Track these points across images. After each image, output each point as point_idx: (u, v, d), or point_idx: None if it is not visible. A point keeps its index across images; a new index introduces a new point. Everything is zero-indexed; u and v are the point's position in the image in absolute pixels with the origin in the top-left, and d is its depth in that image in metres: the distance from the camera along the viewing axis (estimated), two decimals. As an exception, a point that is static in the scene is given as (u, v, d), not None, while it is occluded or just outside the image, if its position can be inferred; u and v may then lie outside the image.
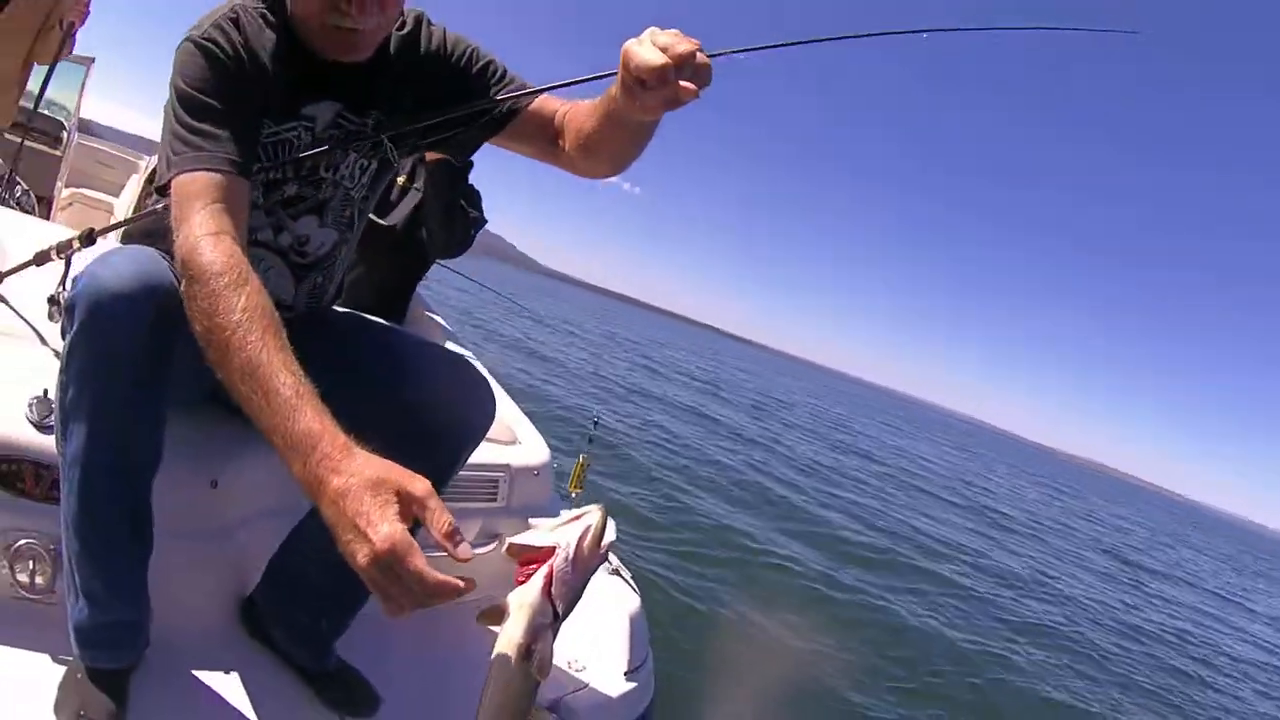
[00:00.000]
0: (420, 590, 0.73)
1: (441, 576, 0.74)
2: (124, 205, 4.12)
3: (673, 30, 1.00)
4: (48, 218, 4.21)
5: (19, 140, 3.65)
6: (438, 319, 2.60)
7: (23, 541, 1.21)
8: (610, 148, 1.23)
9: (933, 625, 5.78)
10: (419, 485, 0.77)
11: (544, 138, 1.33)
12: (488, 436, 1.37)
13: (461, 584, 0.75)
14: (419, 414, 1.25)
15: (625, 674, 1.75)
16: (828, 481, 10.98)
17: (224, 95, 1.09)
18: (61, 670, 1.18)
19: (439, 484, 1.09)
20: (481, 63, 1.35)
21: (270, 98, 1.18)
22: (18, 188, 3.79)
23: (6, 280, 1.48)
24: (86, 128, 5.42)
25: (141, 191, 3.81)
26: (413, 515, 0.77)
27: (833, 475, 11.76)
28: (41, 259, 1.44)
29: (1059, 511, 21.07)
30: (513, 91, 1.33)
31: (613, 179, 1.31)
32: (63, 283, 1.38)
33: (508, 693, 0.82)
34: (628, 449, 7.93)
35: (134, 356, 1.01)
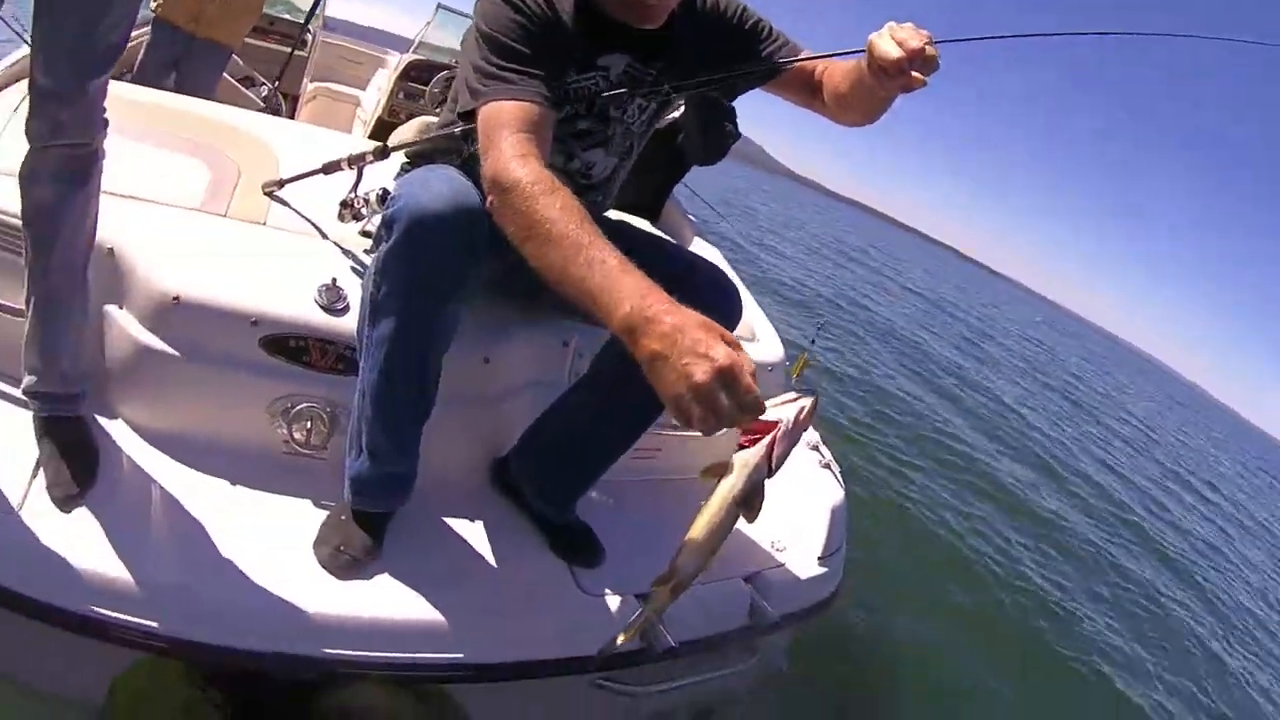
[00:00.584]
0: (748, 401, 0.83)
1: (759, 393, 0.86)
2: (371, 100, 4.47)
3: (909, 25, 1.20)
4: (293, 115, 4.66)
5: (261, 44, 4.03)
6: (690, 217, 2.77)
7: (303, 405, 1.45)
8: (861, 107, 1.41)
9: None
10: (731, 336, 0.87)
11: (806, 90, 1.53)
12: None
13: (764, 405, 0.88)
14: None
15: (819, 559, 1.86)
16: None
17: (531, 43, 1.25)
18: (323, 514, 1.40)
19: None
20: (751, 21, 1.53)
21: (571, 51, 1.33)
22: (264, 88, 4.23)
23: (288, 185, 1.74)
24: (329, 24, 5.77)
25: (393, 88, 4.16)
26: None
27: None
28: (331, 168, 1.66)
29: None
30: (777, 48, 1.53)
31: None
32: (354, 189, 1.61)
33: (718, 527, 0.99)
34: (851, 352, 7.89)
35: (444, 268, 1.20)
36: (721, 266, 1.84)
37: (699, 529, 0.99)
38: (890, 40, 1.18)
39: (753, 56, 1.52)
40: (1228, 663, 4.74)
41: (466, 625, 1.32)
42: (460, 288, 1.23)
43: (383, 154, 1.62)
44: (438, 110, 3.93)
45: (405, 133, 3.21)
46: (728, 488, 0.98)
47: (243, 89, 4.07)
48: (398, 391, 1.29)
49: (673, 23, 1.43)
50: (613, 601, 1.48)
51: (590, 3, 1.36)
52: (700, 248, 2.53)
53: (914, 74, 1.17)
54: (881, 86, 1.23)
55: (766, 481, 1.00)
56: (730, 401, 0.83)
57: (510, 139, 1.14)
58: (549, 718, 1.62)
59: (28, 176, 1.23)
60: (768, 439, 0.98)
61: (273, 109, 4.11)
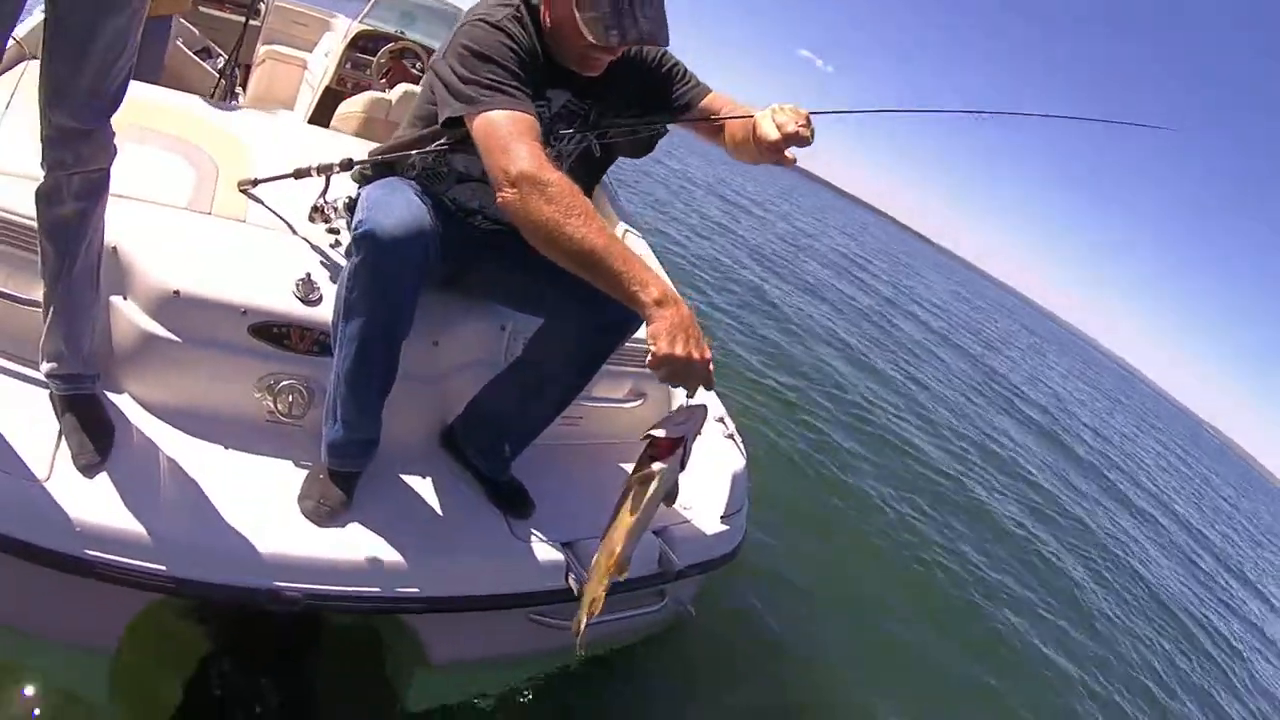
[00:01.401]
0: (707, 376, 1.33)
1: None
2: (318, 67, 4.54)
3: (790, 108, 1.59)
4: (246, 82, 4.73)
5: (218, 14, 4.04)
6: (620, 203, 3.08)
7: (285, 382, 1.71)
8: (752, 157, 1.73)
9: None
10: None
11: (708, 131, 1.85)
12: None
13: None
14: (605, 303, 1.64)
15: (722, 517, 2.19)
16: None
17: (522, 67, 1.53)
18: (303, 473, 1.66)
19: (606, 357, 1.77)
20: (668, 66, 1.83)
21: (535, 80, 1.59)
22: (220, 59, 4.27)
23: (262, 185, 1.96)
24: None
25: (341, 57, 4.27)
26: None
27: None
28: (301, 174, 1.89)
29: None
30: (688, 89, 1.84)
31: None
32: (323, 195, 1.85)
33: (647, 521, 1.38)
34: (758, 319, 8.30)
35: (402, 280, 1.49)
36: (646, 254, 2.16)
37: (633, 523, 1.35)
38: (771, 123, 1.57)
39: (669, 96, 1.83)
40: (1077, 575, 5.41)
41: (420, 565, 1.61)
42: (416, 294, 1.53)
43: (348, 166, 1.85)
44: (383, 81, 4.09)
45: (353, 107, 3.40)
46: (657, 487, 1.35)
47: (197, 60, 4.13)
48: (366, 373, 1.56)
49: (608, 69, 1.70)
50: (540, 546, 1.78)
51: (546, 47, 1.63)
52: (631, 241, 2.82)
53: (786, 154, 1.60)
54: (762, 155, 1.63)
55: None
56: (694, 379, 1.32)
57: (530, 145, 1.42)
58: (491, 646, 1.92)
59: (48, 196, 1.39)
60: (677, 454, 1.37)
61: (228, 82, 4.18)
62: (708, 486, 2.22)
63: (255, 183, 1.99)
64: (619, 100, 1.78)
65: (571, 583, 1.72)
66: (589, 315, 1.71)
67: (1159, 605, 6.30)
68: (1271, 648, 7.45)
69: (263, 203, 1.99)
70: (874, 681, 3.19)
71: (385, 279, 1.47)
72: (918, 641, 3.68)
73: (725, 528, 2.19)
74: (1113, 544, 7.30)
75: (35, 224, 1.47)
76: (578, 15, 1.53)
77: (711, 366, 1.32)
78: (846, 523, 4.52)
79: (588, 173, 1.92)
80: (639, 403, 2.32)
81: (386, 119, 3.22)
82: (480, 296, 1.97)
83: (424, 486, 1.83)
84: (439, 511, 1.78)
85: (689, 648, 2.67)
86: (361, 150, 1.98)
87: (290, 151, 2.10)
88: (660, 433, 1.37)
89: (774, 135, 1.55)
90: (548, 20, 1.61)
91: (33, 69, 1.51)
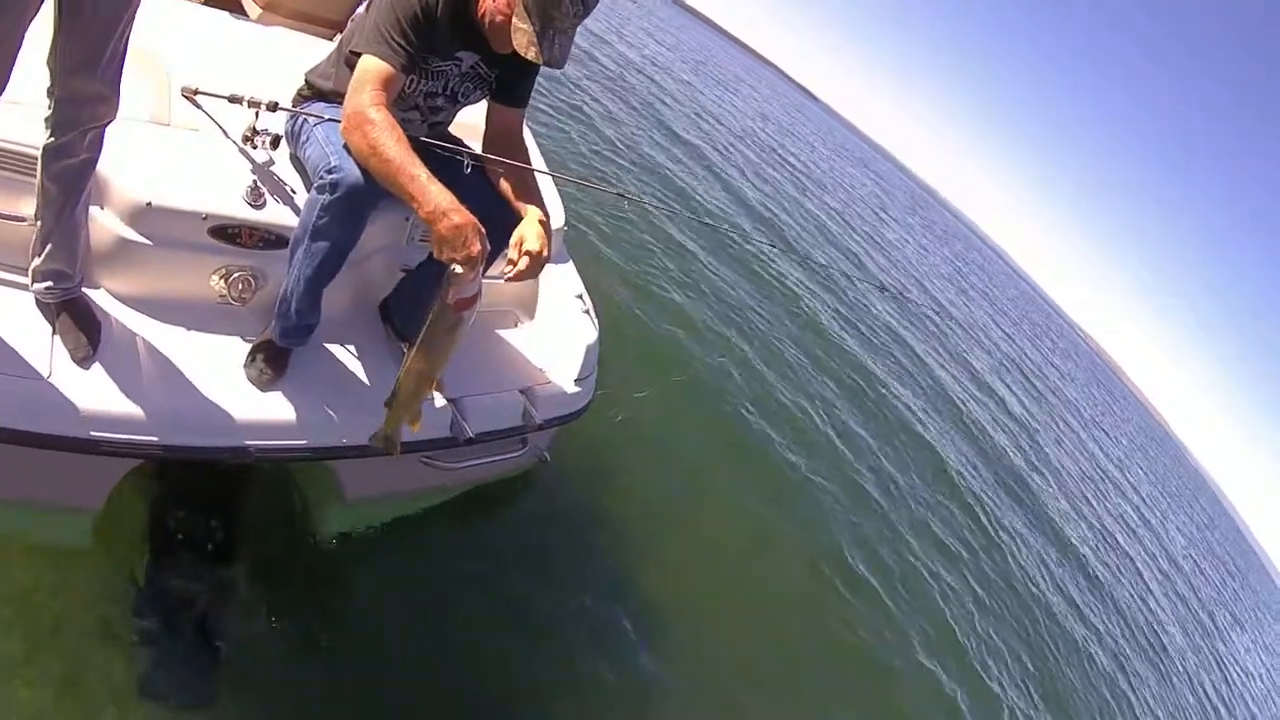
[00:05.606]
0: (474, 267, 1.69)
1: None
2: None
3: (539, 245, 1.94)
4: None
5: None
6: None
7: (236, 273, 2.04)
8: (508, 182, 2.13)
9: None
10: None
11: (495, 127, 2.21)
12: None
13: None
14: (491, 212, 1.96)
15: (575, 380, 2.70)
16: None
17: (416, 28, 1.85)
18: (247, 345, 2.02)
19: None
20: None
21: (440, 43, 1.93)
22: None
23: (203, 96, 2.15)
24: None
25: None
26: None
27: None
28: (235, 100, 2.08)
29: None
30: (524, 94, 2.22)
31: None
32: (253, 125, 2.09)
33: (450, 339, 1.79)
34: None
35: (364, 213, 1.88)
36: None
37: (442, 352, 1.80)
38: (530, 232, 1.95)
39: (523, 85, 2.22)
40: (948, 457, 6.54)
41: (344, 420, 2.05)
42: (366, 217, 1.93)
43: (273, 108, 2.08)
44: None
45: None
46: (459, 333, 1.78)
47: None
48: (323, 277, 1.95)
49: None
50: (435, 400, 2.21)
51: (466, 17, 1.93)
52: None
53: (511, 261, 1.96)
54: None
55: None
56: (477, 267, 1.70)
57: (375, 91, 1.80)
58: (392, 483, 2.42)
59: (57, 152, 1.55)
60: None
61: None
62: (565, 354, 2.73)
63: (196, 92, 2.16)
64: (516, 68, 2.12)
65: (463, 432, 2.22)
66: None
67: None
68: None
69: (206, 113, 2.18)
70: (695, 515, 4.00)
71: (353, 214, 1.87)
72: (735, 481, 4.51)
73: (578, 389, 2.72)
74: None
75: (16, 150, 1.68)
76: (515, 22, 1.86)
77: (478, 266, 1.69)
78: (687, 384, 5.17)
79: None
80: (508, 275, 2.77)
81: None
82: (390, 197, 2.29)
83: (345, 355, 2.24)
84: (356, 374, 2.21)
85: (544, 487, 3.29)
86: (296, 50, 2.32)
87: (233, 54, 2.36)
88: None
89: (521, 247, 1.93)
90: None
91: None
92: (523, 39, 1.85)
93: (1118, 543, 10.80)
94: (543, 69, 2.05)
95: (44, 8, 1.38)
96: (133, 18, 1.49)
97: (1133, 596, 8.99)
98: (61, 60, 1.47)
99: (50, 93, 1.52)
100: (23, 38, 1.34)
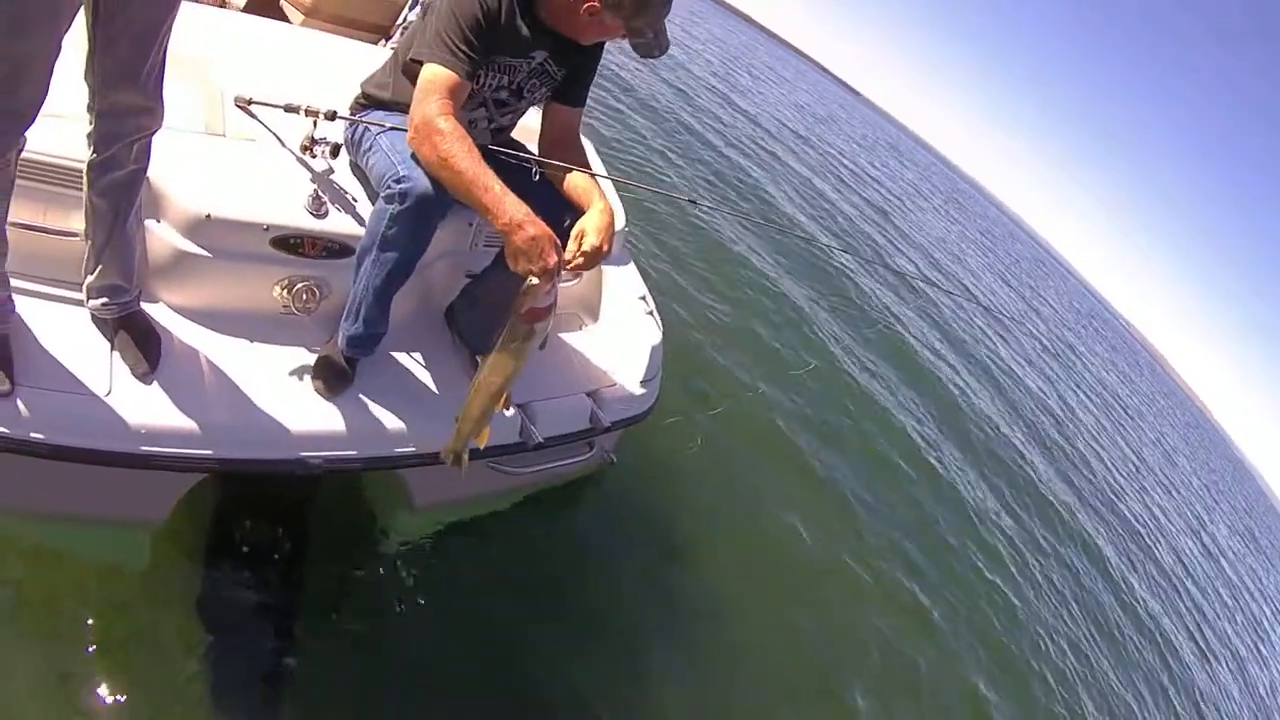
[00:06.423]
0: (550, 277, 1.65)
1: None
2: None
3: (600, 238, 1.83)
4: None
5: None
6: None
7: (300, 284, 2.01)
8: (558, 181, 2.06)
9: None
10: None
11: (554, 124, 2.16)
12: None
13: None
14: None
15: (640, 382, 2.64)
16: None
17: (479, 34, 1.82)
18: (312, 356, 1.99)
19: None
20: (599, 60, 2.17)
21: (508, 41, 1.91)
22: None
23: (259, 106, 2.12)
24: None
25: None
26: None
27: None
28: (291, 109, 2.05)
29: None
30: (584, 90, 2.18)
31: None
32: (311, 135, 2.05)
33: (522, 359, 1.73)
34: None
35: (434, 223, 1.85)
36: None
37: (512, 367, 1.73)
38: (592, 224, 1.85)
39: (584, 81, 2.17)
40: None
41: (413, 428, 2.01)
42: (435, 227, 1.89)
43: (331, 117, 2.04)
44: None
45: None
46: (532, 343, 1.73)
47: None
48: (392, 287, 1.92)
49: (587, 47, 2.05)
50: (513, 411, 2.18)
51: (534, 13, 1.92)
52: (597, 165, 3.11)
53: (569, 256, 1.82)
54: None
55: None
56: (551, 277, 1.67)
57: (442, 100, 1.76)
58: (460, 490, 2.37)
59: (103, 166, 1.53)
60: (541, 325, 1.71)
61: None
62: (630, 356, 2.68)
63: (250, 101, 2.14)
64: (582, 67, 2.10)
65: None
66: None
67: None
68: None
69: (262, 122, 2.16)
70: (767, 508, 3.91)
71: (422, 224, 1.84)
72: (796, 500, 4.35)
73: (644, 390, 2.66)
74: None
75: (62, 164, 1.65)
76: (607, 17, 1.85)
77: (552, 279, 1.67)
78: (754, 384, 5.08)
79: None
80: (575, 281, 2.72)
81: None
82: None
83: (412, 363, 2.20)
84: (423, 381, 2.17)
85: (610, 487, 3.22)
86: (344, 56, 2.28)
87: (281, 62, 2.34)
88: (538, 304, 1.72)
89: (581, 240, 1.83)
90: None
91: None
92: (619, 29, 1.87)
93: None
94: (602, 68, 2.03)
95: (77, 22, 1.34)
96: (170, 28, 1.45)
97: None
98: (100, 74, 1.44)
99: (90, 108, 1.49)
100: (57, 51, 1.29)
